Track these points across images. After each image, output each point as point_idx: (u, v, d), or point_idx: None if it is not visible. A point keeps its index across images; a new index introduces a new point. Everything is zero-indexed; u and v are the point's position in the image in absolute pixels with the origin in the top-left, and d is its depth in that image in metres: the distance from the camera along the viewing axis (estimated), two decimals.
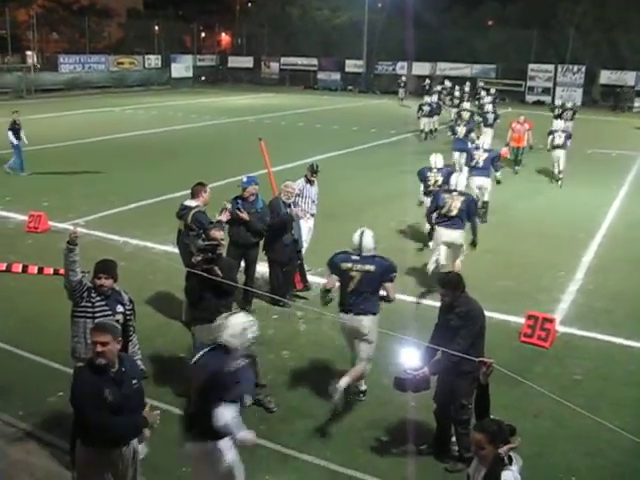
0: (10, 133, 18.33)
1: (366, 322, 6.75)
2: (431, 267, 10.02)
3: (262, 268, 10.13)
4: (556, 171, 18.39)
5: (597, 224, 14.52)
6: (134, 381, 4.73)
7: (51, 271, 10.37)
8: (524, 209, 15.85)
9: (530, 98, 45.34)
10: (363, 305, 6.77)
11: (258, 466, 5.90)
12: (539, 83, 46.03)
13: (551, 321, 8.76)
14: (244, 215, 9.15)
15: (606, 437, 6.25)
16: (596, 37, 44.73)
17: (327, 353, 8.20)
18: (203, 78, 55.32)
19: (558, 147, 18.17)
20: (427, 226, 11.11)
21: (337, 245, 11.45)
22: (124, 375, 4.66)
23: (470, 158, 14.51)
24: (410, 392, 5.98)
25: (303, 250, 10.50)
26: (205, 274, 6.69)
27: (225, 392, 4.72)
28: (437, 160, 12.37)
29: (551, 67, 45.67)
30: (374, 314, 6.83)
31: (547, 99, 45.15)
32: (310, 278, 10.46)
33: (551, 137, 18.42)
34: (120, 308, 5.88)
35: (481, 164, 14.24)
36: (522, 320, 8.93)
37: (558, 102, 29.99)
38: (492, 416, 4.57)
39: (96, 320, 5.69)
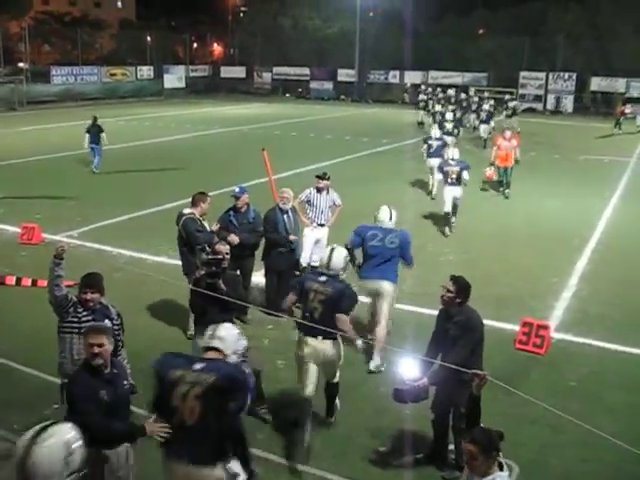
0: (87, 136, 20.27)
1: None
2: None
3: (257, 278, 10.12)
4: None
5: (591, 230, 14.56)
6: (125, 382, 4.91)
7: (45, 283, 10.33)
8: (517, 215, 15.88)
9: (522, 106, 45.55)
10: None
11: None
12: (530, 90, 46.24)
13: (546, 328, 8.78)
14: (234, 239, 9.06)
15: (603, 443, 6.21)
16: (586, 44, 45.01)
17: None
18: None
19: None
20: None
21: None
22: (116, 375, 4.82)
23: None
24: (409, 402, 5.96)
25: (305, 260, 10.47)
26: (209, 288, 6.67)
27: None
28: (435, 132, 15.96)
29: (542, 74, 45.91)
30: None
31: (539, 106, 45.39)
32: None
33: None
34: (108, 323, 5.75)
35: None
36: (517, 327, 8.94)
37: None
38: (483, 424, 4.56)
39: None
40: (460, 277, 6.05)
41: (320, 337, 6.38)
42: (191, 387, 4.37)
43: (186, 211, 8.86)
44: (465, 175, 14.10)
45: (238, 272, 9.09)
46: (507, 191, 17.67)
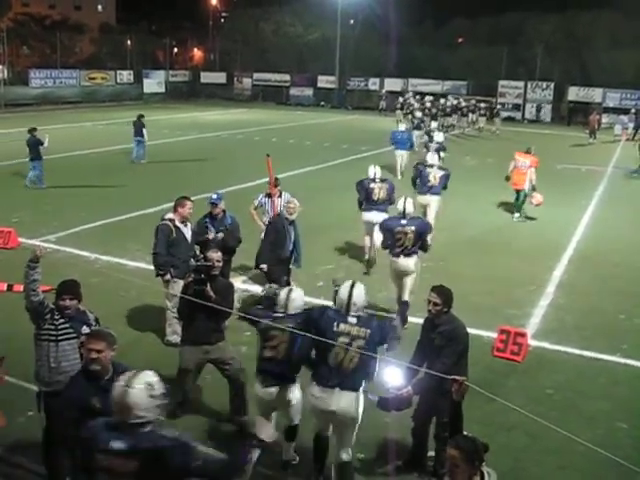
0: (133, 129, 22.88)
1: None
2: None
3: (236, 284, 10.07)
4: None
5: (568, 239, 14.69)
6: None
7: (21, 288, 10.20)
8: (495, 223, 15.98)
9: (501, 114, 45.83)
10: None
11: None
12: (509, 99, 46.59)
13: (523, 335, 8.83)
14: (213, 236, 9.09)
15: (579, 450, 6.27)
16: (564, 54, 45.52)
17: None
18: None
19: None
20: None
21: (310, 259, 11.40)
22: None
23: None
24: (393, 411, 5.95)
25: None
26: (197, 295, 6.60)
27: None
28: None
29: (521, 84, 46.29)
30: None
31: (517, 115, 45.77)
32: None
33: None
34: (86, 329, 5.70)
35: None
36: (495, 335, 8.99)
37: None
38: (465, 432, 4.56)
39: (60, 343, 5.62)
40: (441, 286, 6.06)
41: (402, 256, 9.35)
42: None
43: (167, 216, 8.81)
44: (442, 153, 18.33)
45: None
46: (517, 215, 16.48)
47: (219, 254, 7.12)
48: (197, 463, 3.69)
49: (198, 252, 8.77)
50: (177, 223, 8.75)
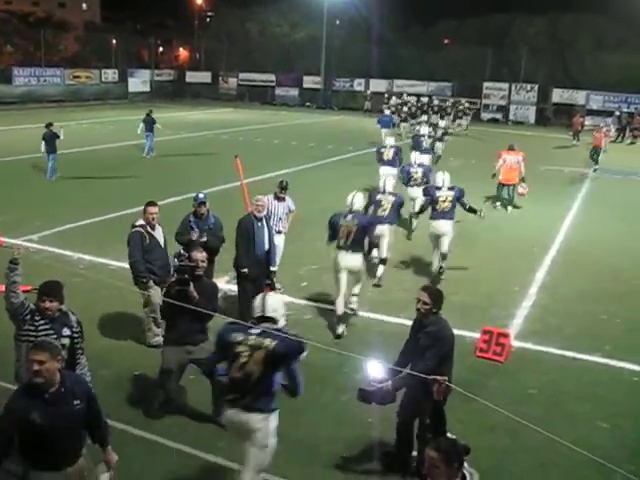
0: (142, 125, 24.24)
1: None
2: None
3: (220, 285, 10.05)
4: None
5: (551, 240, 14.77)
6: (76, 401, 4.57)
7: (2, 288, 10.13)
8: (478, 224, 16.00)
9: (485, 116, 46.12)
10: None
11: None
12: (494, 101, 46.80)
13: (506, 336, 8.87)
14: (197, 236, 9.08)
15: (560, 449, 6.30)
16: (548, 57, 45.81)
17: None
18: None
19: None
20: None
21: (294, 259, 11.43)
22: (62, 395, 4.51)
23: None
24: (374, 404, 5.94)
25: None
26: (179, 295, 6.55)
27: None
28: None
29: (505, 85, 46.50)
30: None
31: (502, 117, 46.02)
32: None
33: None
34: (67, 331, 5.64)
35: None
36: (477, 335, 9.03)
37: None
38: (448, 433, 4.56)
39: None
40: (430, 286, 6.08)
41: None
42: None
43: (137, 223, 8.72)
44: (445, 137, 24.82)
45: None
46: (510, 208, 17.63)
47: (204, 254, 7.05)
48: None
49: (182, 251, 8.72)
50: (148, 229, 8.64)
